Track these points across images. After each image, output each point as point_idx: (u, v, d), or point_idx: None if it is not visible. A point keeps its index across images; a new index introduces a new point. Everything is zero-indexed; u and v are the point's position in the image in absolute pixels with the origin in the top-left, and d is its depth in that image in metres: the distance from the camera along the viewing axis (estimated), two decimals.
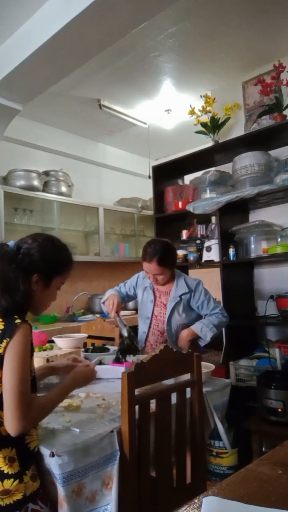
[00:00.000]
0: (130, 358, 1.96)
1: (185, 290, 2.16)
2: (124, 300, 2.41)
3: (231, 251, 2.82)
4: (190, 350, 1.56)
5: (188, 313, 2.18)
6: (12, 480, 1.06)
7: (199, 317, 2.20)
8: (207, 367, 1.79)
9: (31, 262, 1.21)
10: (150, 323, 2.24)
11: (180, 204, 3.23)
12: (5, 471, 1.06)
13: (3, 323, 1.12)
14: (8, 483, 1.06)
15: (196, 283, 2.20)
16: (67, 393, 1.29)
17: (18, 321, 1.10)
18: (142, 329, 2.28)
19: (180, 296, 2.16)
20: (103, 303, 2.27)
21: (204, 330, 2.06)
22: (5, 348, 1.07)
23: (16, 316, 1.12)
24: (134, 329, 2.30)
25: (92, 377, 1.41)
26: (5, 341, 1.07)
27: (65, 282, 1.33)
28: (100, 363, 1.96)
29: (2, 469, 1.06)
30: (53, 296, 1.31)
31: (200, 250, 3.13)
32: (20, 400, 1.04)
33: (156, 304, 2.24)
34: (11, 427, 1.03)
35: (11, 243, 1.23)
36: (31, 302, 1.22)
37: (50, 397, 1.20)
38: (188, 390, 1.52)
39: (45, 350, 2.01)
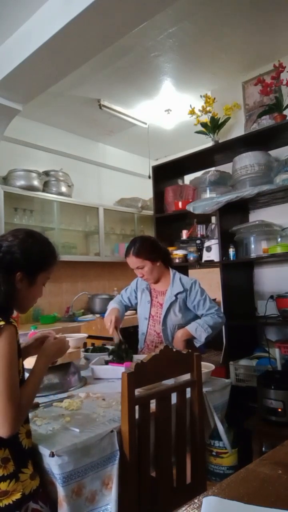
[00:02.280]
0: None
1: (180, 289, 2.15)
2: (128, 308, 2.43)
3: (231, 251, 2.82)
4: (189, 351, 1.56)
5: (184, 313, 2.17)
6: (8, 481, 1.06)
7: (196, 318, 2.19)
8: (207, 367, 1.79)
9: (13, 261, 1.16)
10: (148, 324, 2.24)
11: (180, 204, 3.23)
12: (1, 474, 1.05)
13: None
14: (4, 485, 1.05)
15: (192, 282, 2.19)
16: (43, 374, 1.24)
17: (2, 323, 1.06)
18: (141, 330, 2.28)
19: (175, 296, 2.15)
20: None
21: (199, 330, 2.05)
22: None
23: (0, 318, 1.08)
24: (134, 329, 2.31)
25: (64, 347, 1.33)
26: None
27: (50, 277, 1.28)
28: (106, 362, 1.94)
29: None
30: (39, 292, 1.26)
31: (200, 250, 3.13)
32: (10, 404, 1.02)
33: (153, 305, 2.25)
34: (2, 429, 1.02)
35: None
36: (16, 301, 1.18)
37: (31, 388, 1.14)
38: (188, 390, 1.52)
39: None
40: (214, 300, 3.89)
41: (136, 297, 2.39)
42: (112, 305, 2.36)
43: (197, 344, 2.11)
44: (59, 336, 1.36)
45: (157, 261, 2.17)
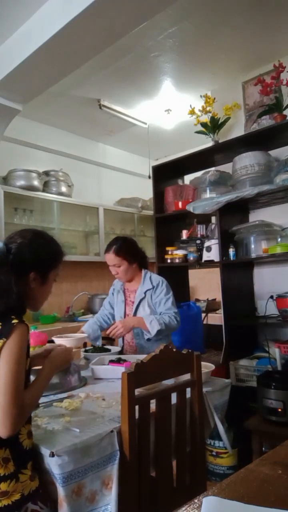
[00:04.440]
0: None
1: (149, 286, 2.24)
2: (111, 318, 2.48)
3: (231, 251, 2.82)
4: (189, 351, 1.55)
5: (152, 309, 2.22)
6: (8, 481, 1.06)
7: None
8: (207, 367, 1.79)
9: (26, 262, 1.19)
10: None
11: (180, 204, 3.23)
12: (1, 473, 1.05)
13: (0, 324, 1.10)
14: (5, 485, 1.05)
15: (160, 280, 2.27)
16: (49, 380, 1.27)
17: (15, 321, 1.09)
18: None
19: (145, 293, 2.24)
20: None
21: (154, 323, 2.07)
22: (1, 348, 1.05)
23: (13, 317, 1.10)
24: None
25: (69, 356, 1.39)
26: (1, 341, 1.06)
27: (59, 273, 1.32)
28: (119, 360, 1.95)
29: None
30: (50, 289, 1.30)
31: (200, 250, 3.13)
32: (13, 403, 1.02)
33: (127, 304, 2.33)
34: (3, 429, 1.01)
35: None
36: (29, 299, 1.20)
37: (35, 391, 1.16)
38: (188, 390, 1.52)
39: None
40: (214, 300, 3.92)
41: (111, 302, 2.47)
42: (83, 328, 2.45)
43: (146, 337, 2.15)
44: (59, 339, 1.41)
45: (133, 263, 2.27)
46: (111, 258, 2.23)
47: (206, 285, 4.17)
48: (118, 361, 1.91)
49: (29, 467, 1.12)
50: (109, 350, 2.23)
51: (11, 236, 1.25)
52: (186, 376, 1.54)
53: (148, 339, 2.15)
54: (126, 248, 2.24)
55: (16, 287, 1.13)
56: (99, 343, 2.42)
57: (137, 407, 1.28)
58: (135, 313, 2.24)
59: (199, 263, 3.12)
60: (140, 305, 2.24)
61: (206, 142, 3.31)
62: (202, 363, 1.63)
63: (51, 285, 1.30)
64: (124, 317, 2.30)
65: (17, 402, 1.03)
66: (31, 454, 1.13)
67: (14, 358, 1.05)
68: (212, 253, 2.97)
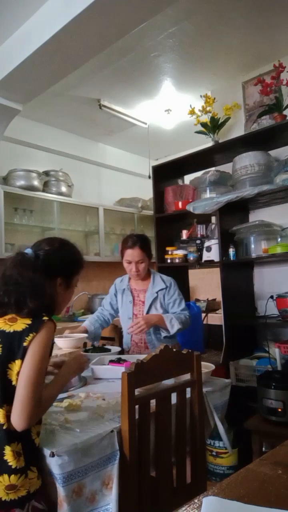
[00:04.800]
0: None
1: (162, 286, 2.23)
2: (113, 317, 2.47)
3: (231, 251, 2.82)
4: (189, 350, 1.56)
5: (164, 310, 2.23)
6: (18, 475, 1.07)
7: None
8: (207, 367, 1.79)
9: (54, 268, 1.30)
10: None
11: (180, 204, 3.23)
12: (13, 466, 1.07)
13: (30, 319, 1.17)
14: (14, 478, 1.07)
15: (172, 280, 2.28)
16: (65, 383, 1.34)
17: (45, 318, 1.16)
18: (126, 329, 2.30)
19: (157, 292, 2.23)
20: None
21: (174, 321, 2.11)
22: (30, 341, 1.11)
23: (44, 314, 1.18)
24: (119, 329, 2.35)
25: (84, 363, 1.45)
26: (31, 334, 1.12)
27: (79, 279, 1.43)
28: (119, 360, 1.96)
29: (10, 464, 1.07)
30: (72, 294, 1.40)
31: (200, 250, 3.13)
32: (33, 396, 1.06)
33: (135, 304, 2.30)
34: (18, 421, 1.05)
35: (28, 250, 1.29)
36: (55, 304, 1.28)
37: (51, 391, 1.21)
38: (188, 390, 1.52)
39: None
40: (214, 300, 3.91)
41: (112, 302, 2.44)
42: (84, 323, 2.43)
43: (163, 335, 2.17)
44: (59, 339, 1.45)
45: (150, 260, 2.28)
46: (137, 254, 2.19)
47: (206, 285, 4.17)
48: (118, 361, 1.91)
49: (36, 466, 1.13)
50: (109, 350, 2.23)
51: (38, 244, 1.35)
52: (186, 376, 1.54)
53: (165, 337, 2.18)
54: (149, 244, 2.25)
55: (49, 289, 1.23)
56: (97, 342, 2.41)
57: (137, 407, 1.29)
58: (147, 313, 2.21)
59: (199, 263, 3.11)
60: (152, 307, 2.22)
61: (206, 142, 3.31)
62: (202, 363, 1.63)
63: (74, 290, 1.40)
64: (132, 317, 2.27)
65: (36, 396, 1.08)
66: (39, 453, 1.15)
67: (40, 354, 1.11)
68: (212, 253, 2.97)
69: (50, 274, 1.27)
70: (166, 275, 2.34)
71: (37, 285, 1.20)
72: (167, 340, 2.21)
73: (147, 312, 2.22)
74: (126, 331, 2.30)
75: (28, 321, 1.16)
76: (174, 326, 2.10)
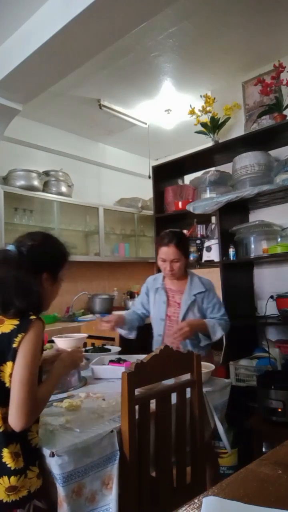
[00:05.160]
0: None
1: (202, 289, 2.09)
2: (145, 317, 2.31)
3: (231, 251, 2.82)
4: (188, 350, 1.55)
5: (202, 314, 2.09)
6: (18, 476, 1.07)
7: None
8: (207, 367, 1.79)
9: (39, 263, 1.25)
10: (165, 325, 2.13)
11: (180, 204, 3.23)
12: (12, 467, 1.07)
13: (18, 320, 1.15)
14: (14, 480, 1.07)
15: (212, 283, 2.14)
16: (60, 380, 1.32)
17: (33, 317, 1.14)
18: (157, 331, 2.16)
19: (195, 295, 2.08)
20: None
21: (216, 327, 1.99)
22: (19, 342, 1.10)
23: (31, 313, 1.16)
24: (147, 328, 2.27)
25: (78, 358, 1.43)
26: (20, 335, 1.11)
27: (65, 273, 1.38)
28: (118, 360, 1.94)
29: (9, 465, 1.07)
30: (59, 289, 1.36)
31: (200, 250, 3.13)
32: (28, 396, 1.06)
33: (169, 304, 2.14)
34: (16, 422, 1.05)
35: (11, 247, 1.25)
36: (42, 299, 1.25)
37: (47, 389, 1.20)
38: (188, 390, 1.52)
39: (45, 350, 2.00)
40: None
41: (144, 302, 2.28)
42: (122, 313, 2.28)
43: (203, 343, 2.05)
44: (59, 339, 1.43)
45: (187, 259, 2.14)
46: (171, 252, 2.04)
47: None
48: (118, 361, 1.91)
49: (36, 466, 1.13)
50: (109, 350, 2.23)
51: (20, 240, 1.29)
52: (186, 376, 1.54)
53: (205, 344, 2.05)
54: (186, 242, 2.12)
55: (35, 287, 1.19)
56: (132, 336, 2.22)
57: (137, 407, 1.28)
58: (183, 318, 2.06)
59: (199, 263, 3.11)
60: (190, 310, 2.07)
61: (206, 142, 3.31)
62: (202, 363, 1.63)
63: (61, 284, 1.36)
64: (165, 318, 2.12)
65: (32, 396, 1.07)
66: (38, 453, 1.15)
67: (31, 353, 1.10)
68: (212, 253, 2.97)
69: (35, 270, 1.23)
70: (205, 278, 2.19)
71: (22, 283, 1.17)
72: (204, 348, 2.08)
73: (184, 316, 2.06)
74: (157, 333, 2.15)
75: (16, 322, 1.13)
76: (217, 333, 1.99)
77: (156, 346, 2.13)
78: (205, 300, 2.09)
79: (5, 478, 1.06)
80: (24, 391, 1.06)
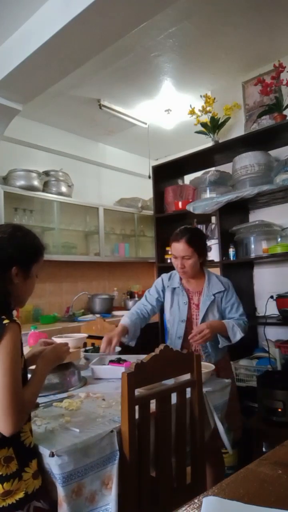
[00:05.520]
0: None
1: (221, 288, 2.01)
2: (151, 314, 2.20)
3: (231, 251, 2.82)
4: (189, 351, 1.55)
5: (221, 315, 2.02)
6: (11, 480, 1.06)
7: None
8: (207, 367, 1.79)
9: (7, 257, 1.17)
10: (186, 327, 2.03)
11: (180, 204, 3.23)
12: (4, 474, 1.06)
13: None
14: (8, 485, 1.06)
15: (230, 282, 2.06)
16: (44, 377, 1.25)
17: (6, 321, 1.07)
18: (177, 333, 2.05)
19: (214, 295, 2.00)
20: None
21: (236, 329, 1.91)
22: None
23: (3, 317, 1.09)
24: (147, 327, 2.21)
25: (64, 351, 1.35)
26: None
27: (40, 269, 1.29)
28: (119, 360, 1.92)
29: (0, 473, 1.06)
30: (34, 284, 1.28)
31: None
32: (13, 401, 1.02)
33: (190, 306, 2.06)
34: (4, 428, 1.02)
35: None
36: (13, 296, 1.18)
37: (31, 390, 1.15)
38: (188, 390, 1.52)
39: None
40: None
41: (159, 298, 2.17)
42: (123, 321, 2.09)
43: (222, 345, 1.96)
44: (59, 339, 1.38)
45: (202, 257, 2.02)
46: (182, 249, 1.95)
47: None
48: (118, 361, 1.91)
49: (31, 465, 1.12)
50: None
51: None
52: (186, 376, 1.54)
53: (223, 346, 1.95)
54: (199, 239, 2.00)
55: (1, 284, 1.13)
56: (132, 343, 2.11)
57: (137, 407, 1.28)
58: (203, 320, 1.98)
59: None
60: (209, 312, 1.99)
61: (206, 142, 3.31)
62: (202, 363, 1.63)
63: (34, 280, 1.27)
64: (187, 321, 2.03)
65: (18, 400, 1.04)
66: (33, 452, 1.14)
67: (10, 358, 1.05)
68: (212, 253, 2.97)
69: (4, 264, 1.16)
70: (223, 276, 2.12)
71: None
72: (222, 350, 2.02)
73: (204, 318, 1.98)
74: (176, 336, 2.05)
75: None
76: (236, 334, 1.92)
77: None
78: (224, 299, 2.02)
79: None
80: (9, 398, 1.02)
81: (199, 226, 3.31)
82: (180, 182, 3.74)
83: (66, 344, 1.39)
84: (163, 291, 2.16)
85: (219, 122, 3.21)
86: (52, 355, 1.31)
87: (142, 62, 3.08)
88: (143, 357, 1.37)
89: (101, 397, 1.55)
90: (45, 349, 1.34)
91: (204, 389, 1.61)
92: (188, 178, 3.58)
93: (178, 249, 1.97)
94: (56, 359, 1.32)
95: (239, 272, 3.00)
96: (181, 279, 2.11)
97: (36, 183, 3.59)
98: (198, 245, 1.98)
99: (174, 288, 2.10)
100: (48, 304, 3.90)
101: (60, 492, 1.09)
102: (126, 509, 1.23)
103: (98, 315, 3.63)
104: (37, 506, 1.10)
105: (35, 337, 2.05)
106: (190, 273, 2.02)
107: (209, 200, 2.91)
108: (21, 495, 1.07)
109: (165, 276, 2.20)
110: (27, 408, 1.10)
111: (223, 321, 1.95)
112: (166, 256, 3.31)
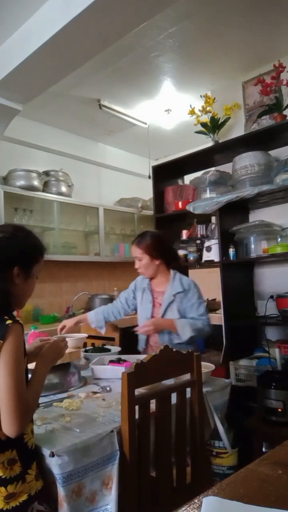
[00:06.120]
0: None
1: (180, 289, 2.14)
2: (125, 313, 2.41)
3: (231, 251, 2.82)
4: (189, 351, 1.55)
5: (181, 314, 2.13)
6: (15, 483, 1.06)
7: None
8: (207, 367, 1.79)
9: (9, 256, 1.17)
10: None
11: (180, 204, 3.23)
12: (7, 477, 1.05)
13: None
14: (12, 487, 1.05)
15: (193, 283, 2.18)
16: (45, 376, 1.24)
17: (9, 322, 1.07)
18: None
19: (174, 295, 2.13)
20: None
21: (186, 328, 2.01)
22: None
23: (6, 317, 1.09)
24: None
25: (61, 347, 1.34)
26: None
27: (41, 269, 1.29)
28: (119, 360, 1.93)
29: (4, 476, 1.05)
30: (34, 285, 1.27)
31: (200, 250, 3.13)
32: (18, 402, 1.02)
33: (154, 305, 2.23)
34: (10, 429, 1.02)
35: None
36: (13, 297, 1.17)
37: (33, 390, 1.15)
38: (188, 390, 1.52)
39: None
40: (214, 300, 3.91)
41: (134, 297, 2.37)
42: (88, 315, 2.41)
43: (176, 341, 2.06)
44: (57, 337, 1.37)
45: (156, 259, 2.18)
46: (133, 250, 2.23)
47: (206, 285, 4.14)
48: (118, 361, 1.91)
49: (33, 467, 1.12)
50: (109, 350, 2.23)
51: None
52: (186, 376, 1.54)
53: (178, 343, 2.05)
54: (149, 242, 2.17)
55: (1, 284, 1.13)
56: (103, 331, 2.39)
57: (137, 407, 1.28)
58: (163, 317, 2.14)
59: (199, 263, 3.11)
60: (169, 309, 2.14)
61: (206, 142, 3.31)
62: (202, 363, 1.63)
63: (35, 281, 1.27)
64: (151, 318, 2.19)
65: (22, 401, 1.04)
66: (35, 454, 1.14)
67: (13, 359, 1.04)
68: (212, 253, 2.97)
69: (6, 264, 1.16)
70: (189, 278, 2.25)
71: None
72: (180, 345, 2.04)
73: (163, 316, 2.14)
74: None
75: None
76: (185, 333, 2.00)
77: (142, 344, 2.25)
78: (184, 300, 2.13)
79: (2, 488, 1.04)
80: (14, 399, 1.01)
81: (199, 226, 3.32)
82: (180, 182, 3.74)
83: (64, 339, 1.39)
84: (134, 291, 2.37)
85: (219, 122, 3.21)
86: (51, 353, 1.30)
87: (142, 62, 3.08)
88: (143, 357, 1.37)
89: (101, 397, 1.55)
90: (41, 347, 1.33)
91: (204, 389, 1.61)
92: (188, 178, 3.58)
93: (131, 250, 2.25)
94: (55, 356, 1.32)
95: (239, 272, 3.00)
96: (150, 280, 2.29)
97: (36, 183, 3.59)
98: (148, 247, 2.16)
99: (143, 288, 2.29)
100: (48, 304, 3.90)
101: (60, 492, 1.09)
102: (126, 509, 1.23)
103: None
104: (40, 510, 1.10)
105: (35, 337, 2.04)
106: (146, 273, 2.23)
107: (209, 200, 2.91)
108: (24, 497, 1.06)
109: (139, 277, 2.37)
110: (31, 408, 1.10)
111: (174, 320, 2.06)
112: None
